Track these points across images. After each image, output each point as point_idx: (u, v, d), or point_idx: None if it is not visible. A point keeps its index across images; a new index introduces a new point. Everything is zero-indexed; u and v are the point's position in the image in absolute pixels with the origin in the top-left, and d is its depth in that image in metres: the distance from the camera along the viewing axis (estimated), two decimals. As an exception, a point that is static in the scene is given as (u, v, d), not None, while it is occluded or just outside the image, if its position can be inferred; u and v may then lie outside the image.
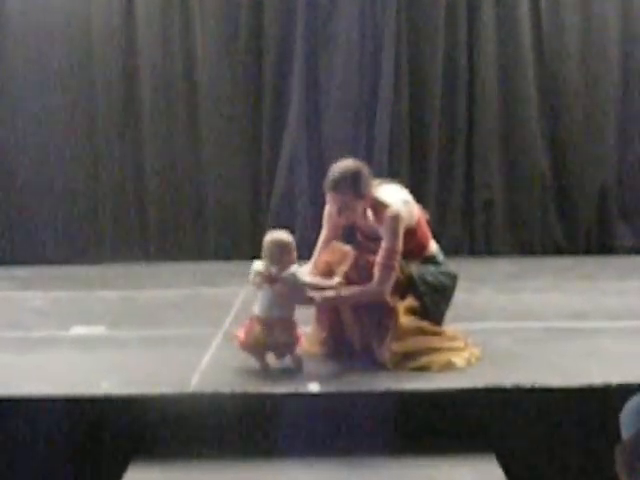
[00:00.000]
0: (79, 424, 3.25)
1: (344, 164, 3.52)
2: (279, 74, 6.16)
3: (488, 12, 6.13)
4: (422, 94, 6.19)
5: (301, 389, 3.28)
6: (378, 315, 3.49)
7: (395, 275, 3.45)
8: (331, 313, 3.63)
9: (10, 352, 3.97)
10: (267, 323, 3.42)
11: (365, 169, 3.51)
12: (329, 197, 3.51)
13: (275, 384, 3.38)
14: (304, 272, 3.51)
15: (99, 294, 5.30)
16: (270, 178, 6.23)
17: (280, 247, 3.45)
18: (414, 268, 3.53)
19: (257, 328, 3.42)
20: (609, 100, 6.21)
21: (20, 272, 5.96)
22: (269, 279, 3.43)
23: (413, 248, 3.54)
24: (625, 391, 1.68)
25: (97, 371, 3.58)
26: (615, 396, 1.59)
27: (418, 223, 3.56)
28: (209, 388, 3.27)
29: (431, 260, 3.62)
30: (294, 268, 3.41)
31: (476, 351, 3.56)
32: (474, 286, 4.78)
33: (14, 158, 6.20)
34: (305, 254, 3.73)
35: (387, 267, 3.42)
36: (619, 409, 1.66)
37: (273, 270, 3.40)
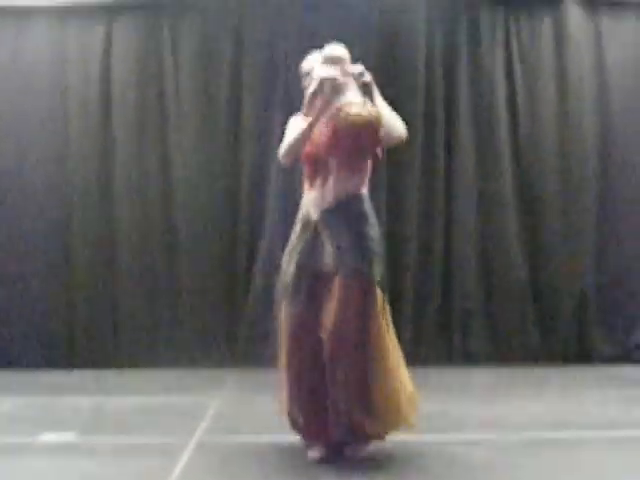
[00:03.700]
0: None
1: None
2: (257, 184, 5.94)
3: (464, 101, 5.98)
4: (400, 193, 5.94)
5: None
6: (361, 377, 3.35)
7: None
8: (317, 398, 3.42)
9: (-25, 460, 3.87)
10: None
11: None
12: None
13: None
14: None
15: (69, 400, 5.20)
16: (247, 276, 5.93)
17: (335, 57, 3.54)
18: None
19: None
20: (586, 204, 6.05)
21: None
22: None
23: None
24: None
25: (67, 480, 3.52)
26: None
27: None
28: (180, 502, 3.20)
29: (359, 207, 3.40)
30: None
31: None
32: (451, 397, 4.71)
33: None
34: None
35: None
36: None
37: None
